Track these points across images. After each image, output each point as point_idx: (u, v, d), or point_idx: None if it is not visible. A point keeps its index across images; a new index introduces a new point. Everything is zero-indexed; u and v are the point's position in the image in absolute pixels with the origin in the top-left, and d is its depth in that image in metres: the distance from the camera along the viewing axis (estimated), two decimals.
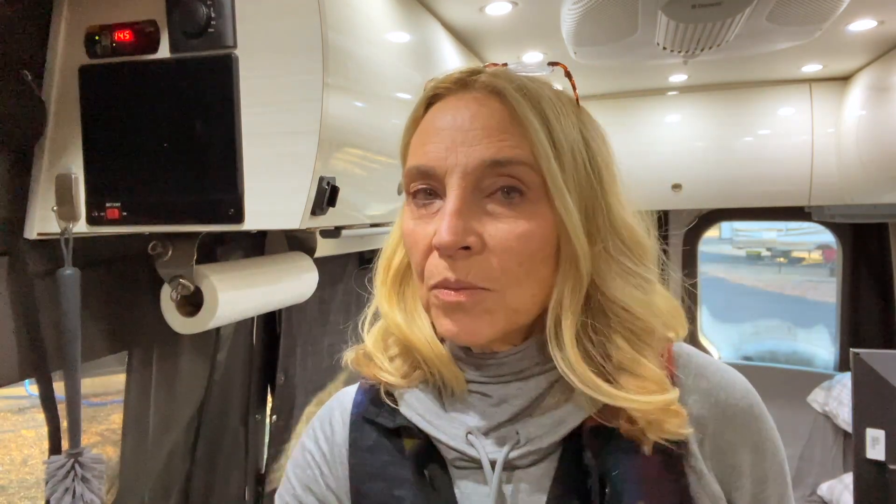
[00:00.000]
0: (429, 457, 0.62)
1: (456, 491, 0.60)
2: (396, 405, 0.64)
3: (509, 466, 0.60)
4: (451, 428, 0.61)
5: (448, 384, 0.63)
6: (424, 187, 0.60)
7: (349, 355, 0.67)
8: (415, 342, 0.63)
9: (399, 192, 1.16)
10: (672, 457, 0.57)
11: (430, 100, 0.62)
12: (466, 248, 0.56)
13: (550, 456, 0.59)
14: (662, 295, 0.63)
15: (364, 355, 0.67)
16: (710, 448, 0.59)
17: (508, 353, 0.61)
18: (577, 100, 0.64)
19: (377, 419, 0.64)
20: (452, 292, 0.57)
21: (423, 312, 0.64)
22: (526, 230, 0.56)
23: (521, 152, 0.57)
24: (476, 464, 0.60)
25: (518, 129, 0.57)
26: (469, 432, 0.60)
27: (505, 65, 0.64)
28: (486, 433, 0.60)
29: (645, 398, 0.55)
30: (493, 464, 0.59)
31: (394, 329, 0.65)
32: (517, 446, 0.59)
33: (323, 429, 0.69)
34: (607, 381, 0.56)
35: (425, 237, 0.58)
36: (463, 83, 0.61)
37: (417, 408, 0.63)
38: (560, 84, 0.65)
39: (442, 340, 0.64)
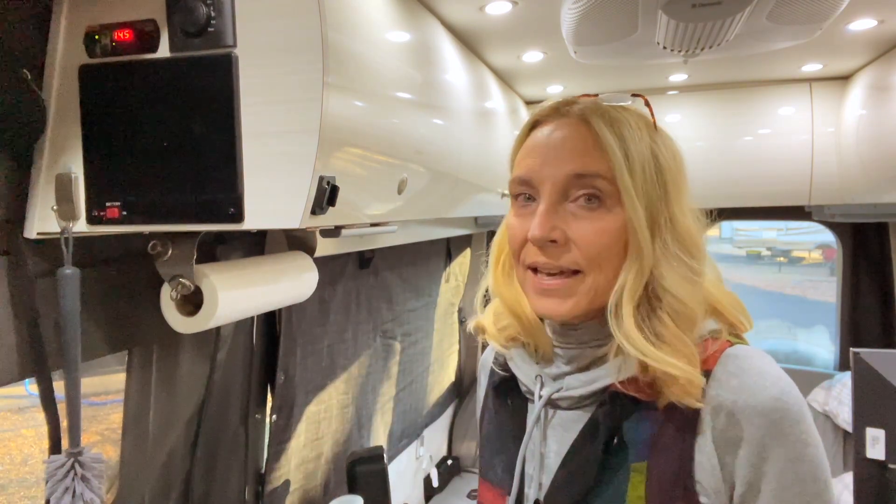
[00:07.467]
0: (513, 390, 0.85)
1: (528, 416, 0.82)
2: (504, 358, 0.87)
3: (554, 405, 0.79)
4: (529, 372, 0.82)
5: (539, 347, 0.82)
6: (524, 192, 0.76)
7: (471, 324, 0.90)
8: (521, 318, 0.81)
9: (399, 192, 1.17)
10: (683, 432, 0.69)
11: (533, 124, 0.78)
12: (553, 241, 0.71)
13: (588, 407, 0.76)
14: (724, 292, 0.77)
15: (480, 326, 0.88)
16: (720, 436, 0.68)
17: (578, 327, 0.77)
18: (655, 123, 0.77)
19: (495, 365, 0.89)
20: (547, 278, 0.73)
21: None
22: (602, 227, 0.71)
23: (601, 167, 0.71)
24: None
25: (599, 149, 0.71)
26: (538, 375, 0.81)
27: (597, 95, 0.78)
28: (553, 379, 0.79)
29: (677, 363, 0.67)
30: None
31: (507, 307, 0.83)
32: (559, 391, 0.78)
33: (482, 365, 0.96)
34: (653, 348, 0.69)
35: (523, 231, 0.74)
36: (559, 112, 0.76)
37: (517, 360, 0.84)
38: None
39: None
